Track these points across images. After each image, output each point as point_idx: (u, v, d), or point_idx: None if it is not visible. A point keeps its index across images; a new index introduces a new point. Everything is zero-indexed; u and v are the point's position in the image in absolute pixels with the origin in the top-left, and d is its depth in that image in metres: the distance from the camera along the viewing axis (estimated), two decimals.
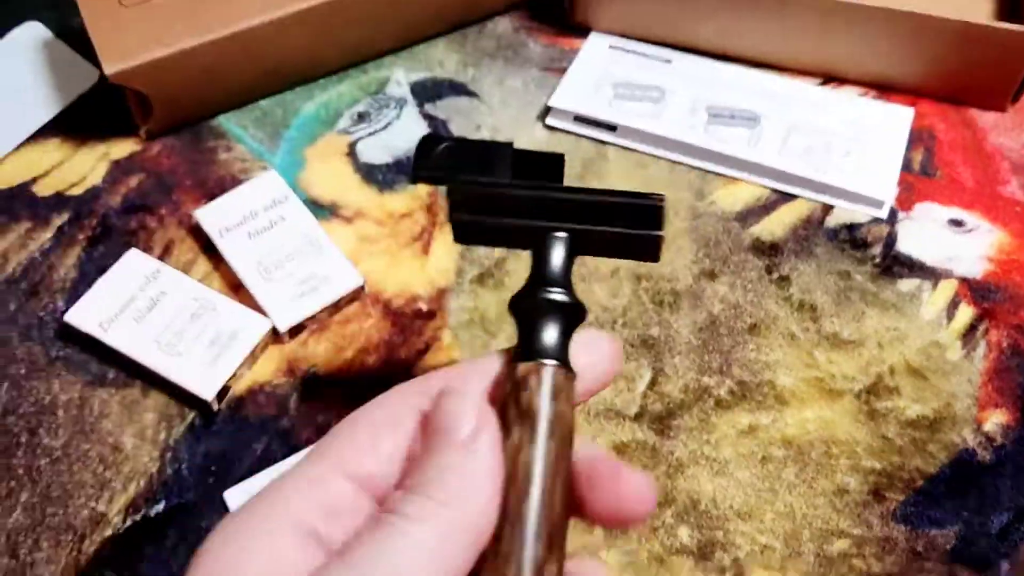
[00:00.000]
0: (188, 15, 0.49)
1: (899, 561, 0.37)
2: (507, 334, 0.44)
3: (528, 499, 0.23)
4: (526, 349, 0.26)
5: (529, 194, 0.28)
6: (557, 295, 0.27)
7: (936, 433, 0.40)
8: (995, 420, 0.41)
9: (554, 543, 0.23)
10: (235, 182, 0.49)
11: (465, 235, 0.30)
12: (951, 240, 0.47)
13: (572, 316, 0.27)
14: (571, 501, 0.24)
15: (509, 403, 0.25)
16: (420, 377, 0.27)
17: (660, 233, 0.28)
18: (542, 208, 0.28)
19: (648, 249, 0.28)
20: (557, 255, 0.28)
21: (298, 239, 0.46)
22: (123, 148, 0.51)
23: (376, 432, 0.25)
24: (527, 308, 0.27)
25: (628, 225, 0.28)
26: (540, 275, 0.27)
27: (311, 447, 0.25)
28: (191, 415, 0.42)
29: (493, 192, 0.29)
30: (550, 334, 0.26)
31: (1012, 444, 0.40)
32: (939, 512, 0.38)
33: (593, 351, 0.27)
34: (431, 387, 0.26)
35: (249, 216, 0.47)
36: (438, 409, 0.24)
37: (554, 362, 0.25)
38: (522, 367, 0.25)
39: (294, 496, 0.23)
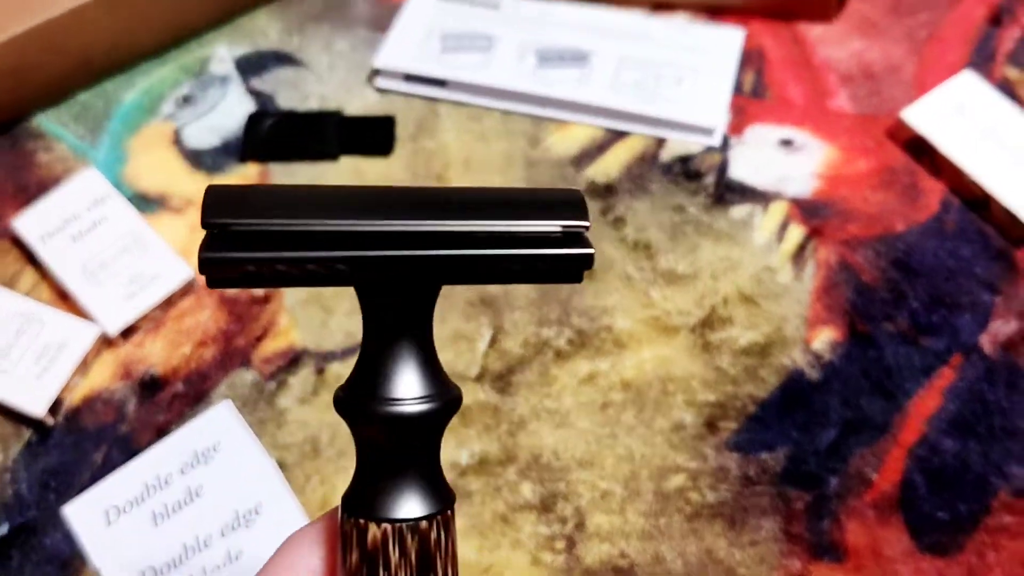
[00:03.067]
0: None
1: (732, 488, 0.38)
2: (345, 309, 0.44)
3: None
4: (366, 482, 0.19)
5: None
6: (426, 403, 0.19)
7: (767, 357, 0.41)
8: (823, 338, 0.42)
9: None
10: (57, 184, 0.47)
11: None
12: (782, 161, 0.47)
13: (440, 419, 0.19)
14: None
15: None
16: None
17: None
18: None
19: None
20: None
21: (123, 237, 0.45)
22: None
23: None
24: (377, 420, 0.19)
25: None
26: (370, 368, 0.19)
27: None
28: (27, 433, 0.41)
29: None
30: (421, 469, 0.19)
31: (840, 359, 0.41)
32: (769, 435, 0.39)
33: None
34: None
35: (71, 219, 0.45)
36: None
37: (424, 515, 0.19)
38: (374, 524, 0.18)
39: None
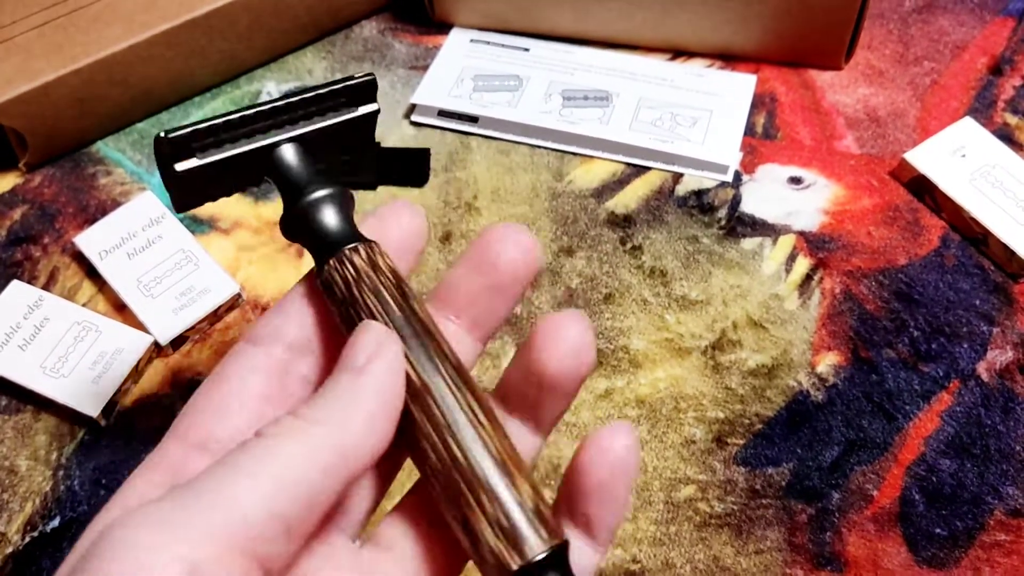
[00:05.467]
0: (51, 48, 0.51)
1: (739, 500, 0.40)
2: None
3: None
4: (320, 257, 0.25)
5: (241, 117, 0.26)
6: (315, 192, 0.26)
7: (774, 379, 0.44)
8: (828, 362, 0.44)
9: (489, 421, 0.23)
10: (116, 205, 0.51)
11: (188, 193, 0.27)
12: (790, 197, 0.50)
13: (340, 201, 0.26)
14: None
15: (340, 309, 0.25)
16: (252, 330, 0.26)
17: (375, 108, 0.28)
18: (258, 129, 0.27)
19: (366, 129, 0.29)
20: (294, 162, 0.27)
21: (175, 255, 0.48)
22: (5, 182, 0.53)
23: (222, 399, 0.24)
24: (295, 223, 0.26)
25: (345, 109, 0.28)
26: (290, 189, 0.27)
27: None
28: (81, 432, 0.44)
29: (207, 128, 0.26)
30: (330, 224, 0.25)
31: (843, 382, 0.43)
32: (775, 452, 0.42)
33: (392, 222, 0.27)
34: (265, 336, 0.25)
35: (128, 237, 0.49)
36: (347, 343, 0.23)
37: (350, 245, 0.25)
38: (328, 266, 0.25)
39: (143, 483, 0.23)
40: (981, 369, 0.44)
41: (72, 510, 0.42)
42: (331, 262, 0.25)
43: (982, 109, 0.53)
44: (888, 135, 0.52)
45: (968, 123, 0.50)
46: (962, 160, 0.49)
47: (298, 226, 0.26)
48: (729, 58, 0.55)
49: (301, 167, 0.27)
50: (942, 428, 0.42)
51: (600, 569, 0.39)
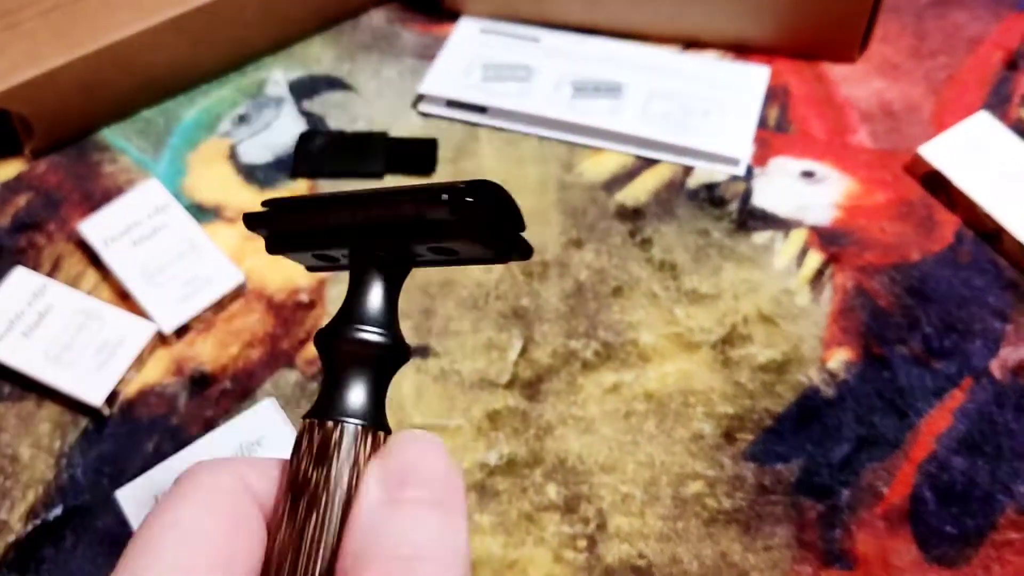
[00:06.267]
0: (58, 33, 0.50)
1: (748, 496, 0.40)
2: None
3: None
4: (322, 403, 0.22)
5: (340, 214, 0.24)
6: (369, 334, 0.22)
7: (784, 375, 0.43)
8: (839, 357, 0.43)
9: None
10: (120, 193, 0.51)
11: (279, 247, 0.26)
12: (803, 191, 0.49)
13: (386, 361, 0.23)
14: None
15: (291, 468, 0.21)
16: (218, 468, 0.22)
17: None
18: (353, 229, 0.23)
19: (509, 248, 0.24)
20: (372, 284, 0.23)
21: (180, 243, 0.48)
22: (10, 169, 0.53)
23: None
24: (329, 347, 0.23)
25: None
26: (349, 307, 0.23)
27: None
28: (84, 421, 0.44)
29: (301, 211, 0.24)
30: (354, 386, 0.22)
31: (854, 379, 0.43)
32: (785, 448, 0.41)
33: None
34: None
35: (132, 225, 0.48)
36: None
37: (357, 421, 0.21)
38: (307, 422, 0.22)
39: None
40: (994, 366, 0.43)
41: (74, 499, 0.41)
42: (304, 421, 0.22)
43: (997, 104, 0.52)
44: (902, 129, 0.51)
45: (983, 118, 0.50)
46: (977, 155, 0.48)
47: (338, 353, 0.23)
48: (742, 50, 0.55)
49: (382, 296, 0.23)
50: (954, 426, 0.41)
51: (606, 564, 0.39)
